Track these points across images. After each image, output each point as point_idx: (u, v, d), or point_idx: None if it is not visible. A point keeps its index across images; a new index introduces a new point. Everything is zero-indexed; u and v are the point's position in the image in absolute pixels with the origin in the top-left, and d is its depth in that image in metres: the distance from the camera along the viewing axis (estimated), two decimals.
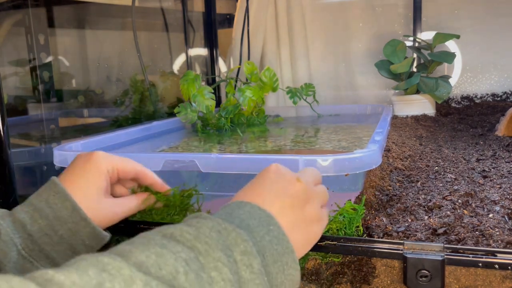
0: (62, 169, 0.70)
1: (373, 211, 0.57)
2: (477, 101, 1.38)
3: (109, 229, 0.51)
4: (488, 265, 0.43)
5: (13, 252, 0.43)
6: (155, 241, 0.32)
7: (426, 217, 0.53)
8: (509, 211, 0.53)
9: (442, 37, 1.22)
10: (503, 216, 0.52)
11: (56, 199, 0.46)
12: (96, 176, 0.49)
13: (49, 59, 1.07)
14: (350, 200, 0.54)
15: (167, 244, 0.32)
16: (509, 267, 0.43)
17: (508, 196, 0.57)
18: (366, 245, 0.48)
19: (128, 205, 0.52)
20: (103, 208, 0.49)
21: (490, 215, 0.52)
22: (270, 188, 0.43)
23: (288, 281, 0.37)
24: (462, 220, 0.51)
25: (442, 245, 0.45)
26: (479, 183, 0.64)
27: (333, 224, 0.51)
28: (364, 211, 0.53)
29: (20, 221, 0.45)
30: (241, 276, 0.33)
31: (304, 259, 0.51)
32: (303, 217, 0.43)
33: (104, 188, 0.50)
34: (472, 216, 0.52)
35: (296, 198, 0.43)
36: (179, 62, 1.50)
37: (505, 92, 1.36)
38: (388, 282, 0.48)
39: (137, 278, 0.27)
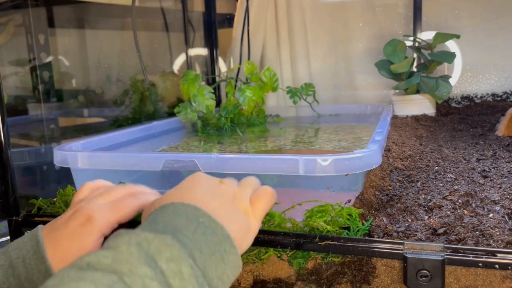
0: (62, 169, 0.71)
1: (373, 211, 0.57)
2: (477, 101, 1.38)
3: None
4: (488, 265, 0.43)
5: None
6: (69, 277, 0.29)
7: (426, 217, 0.53)
8: (509, 211, 0.53)
9: (442, 37, 1.22)
10: (503, 216, 0.52)
11: (32, 259, 0.43)
12: (87, 243, 0.44)
13: (49, 59, 1.07)
14: (349, 207, 0.54)
15: (83, 276, 0.29)
16: (509, 267, 0.43)
17: (508, 196, 0.57)
18: (366, 245, 0.48)
19: None
20: None
21: (490, 215, 0.52)
22: (195, 189, 0.42)
23: (230, 268, 0.37)
24: (462, 220, 0.51)
25: (442, 245, 0.45)
26: (479, 183, 0.64)
27: (333, 227, 0.51)
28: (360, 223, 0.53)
29: None
30: (170, 285, 0.31)
31: (304, 259, 0.51)
32: (236, 210, 0.42)
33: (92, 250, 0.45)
34: (472, 216, 0.52)
35: (223, 195, 0.43)
36: (179, 62, 1.49)
37: (505, 92, 1.36)
38: (388, 282, 0.48)
39: None
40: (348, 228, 0.51)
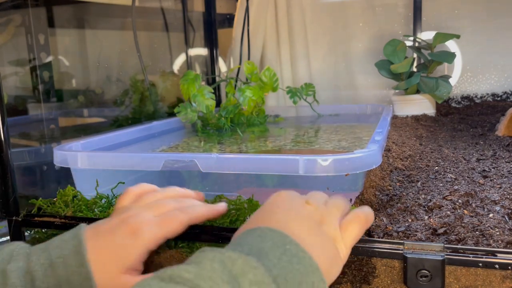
0: (62, 169, 0.71)
1: (373, 211, 0.57)
2: (477, 101, 1.38)
3: None
4: (488, 265, 0.43)
5: None
6: (151, 287, 0.29)
7: (426, 217, 0.53)
8: (509, 211, 0.53)
9: (442, 37, 1.22)
10: (503, 216, 0.52)
11: (74, 260, 0.42)
12: (131, 255, 0.43)
13: (49, 59, 1.07)
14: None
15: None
16: (509, 267, 0.43)
17: (508, 196, 0.57)
18: (366, 245, 0.48)
19: None
20: (116, 285, 0.43)
21: (490, 215, 0.52)
22: (280, 212, 0.40)
23: None
24: (462, 220, 0.51)
25: (442, 245, 0.45)
26: (479, 183, 0.64)
27: None
28: None
29: (32, 275, 0.41)
30: None
31: None
32: (323, 237, 0.39)
33: (131, 267, 0.44)
34: (472, 216, 0.52)
35: (310, 218, 0.40)
36: (179, 62, 1.50)
37: (505, 92, 1.36)
38: (388, 282, 0.48)
39: None
40: None
